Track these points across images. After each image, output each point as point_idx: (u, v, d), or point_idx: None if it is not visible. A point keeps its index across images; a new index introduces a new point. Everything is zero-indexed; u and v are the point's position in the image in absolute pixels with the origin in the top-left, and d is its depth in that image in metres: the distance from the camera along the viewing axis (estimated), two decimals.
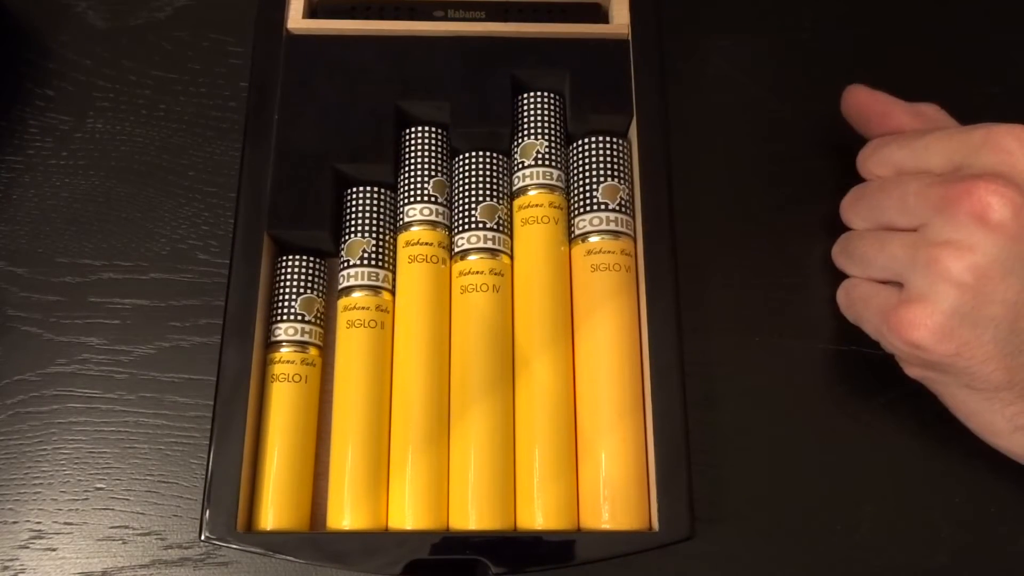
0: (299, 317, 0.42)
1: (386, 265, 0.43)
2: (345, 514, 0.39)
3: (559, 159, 0.44)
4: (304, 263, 0.42)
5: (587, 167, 0.44)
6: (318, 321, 0.42)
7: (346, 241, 0.43)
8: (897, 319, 0.38)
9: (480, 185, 0.43)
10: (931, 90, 0.49)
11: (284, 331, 0.41)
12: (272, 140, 0.43)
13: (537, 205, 0.43)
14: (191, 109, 0.49)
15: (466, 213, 0.43)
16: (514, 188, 0.44)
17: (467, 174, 0.44)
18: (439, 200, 0.43)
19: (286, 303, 0.42)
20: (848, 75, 0.49)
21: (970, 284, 0.36)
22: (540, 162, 0.44)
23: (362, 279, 0.42)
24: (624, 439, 0.40)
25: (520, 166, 0.44)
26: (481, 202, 0.43)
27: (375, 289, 0.42)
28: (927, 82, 0.49)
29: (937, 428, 0.43)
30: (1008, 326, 0.36)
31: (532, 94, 0.45)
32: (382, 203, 0.44)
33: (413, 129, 0.45)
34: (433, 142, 0.44)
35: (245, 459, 0.39)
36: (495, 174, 0.44)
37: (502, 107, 0.44)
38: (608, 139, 0.44)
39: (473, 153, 0.44)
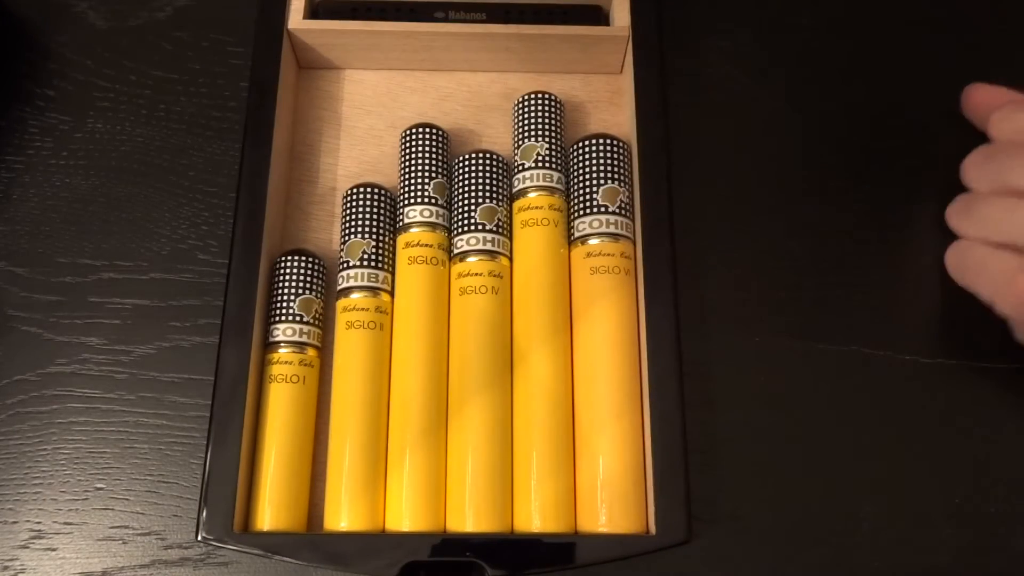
0: (297, 318, 0.42)
1: (385, 266, 0.43)
2: (342, 515, 0.39)
3: (559, 161, 0.44)
4: (303, 263, 0.42)
5: (587, 169, 0.43)
6: (316, 322, 0.42)
7: (346, 242, 0.43)
8: (1020, 286, 0.38)
9: (480, 187, 0.43)
10: (931, 88, 0.49)
11: (282, 331, 0.41)
12: (272, 140, 0.43)
13: (537, 207, 0.43)
14: (191, 109, 0.49)
15: (465, 215, 0.43)
16: (514, 190, 0.44)
17: (467, 176, 0.44)
18: (439, 202, 0.43)
19: (285, 303, 0.42)
20: (848, 75, 0.49)
21: None
22: (540, 164, 0.44)
23: (361, 280, 0.42)
24: (622, 441, 0.40)
25: (520, 168, 0.44)
26: (481, 204, 0.43)
27: (374, 290, 0.42)
28: (927, 81, 0.49)
29: (937, 428, 0.43)
30: None
31: (533, 95, 0.45)
32: (382, 204, 0.44)
33: (413, 130, 0.45)
34: (433, 143, 0.44)
35: (243, 459, 0.39)
36: (495, 176, 0.44)
37: None
38: (608, 141, 0.44)
39: (473, 154, 0.44)
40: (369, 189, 0.44)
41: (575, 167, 0.44)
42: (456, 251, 0.43)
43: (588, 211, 0.43)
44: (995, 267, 0.40)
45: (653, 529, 0.38)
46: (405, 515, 0.39)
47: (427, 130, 0.44)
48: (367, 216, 0.43)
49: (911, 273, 0.46)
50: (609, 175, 0.43)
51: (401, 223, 0.43)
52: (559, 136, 0.45)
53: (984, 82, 0.47)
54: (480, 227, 0.43)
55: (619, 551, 0.38)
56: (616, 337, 0.41)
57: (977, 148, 0.43)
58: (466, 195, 0.43)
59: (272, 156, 0.43)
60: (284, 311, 0.42)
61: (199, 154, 0.48)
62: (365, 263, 0.42)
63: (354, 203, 0.44)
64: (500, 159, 0.44)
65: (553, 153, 0.44)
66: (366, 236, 0.43)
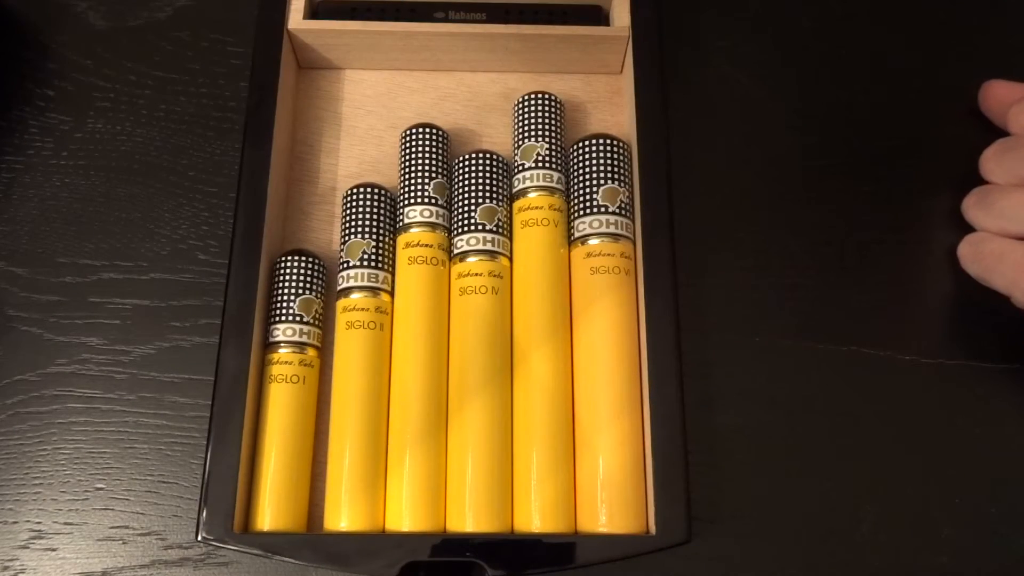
0: (297, 318, 0.42)
1: (385, 267, 0.43)
2: (342, 515, 0.39)
3: (559, 161, 0.44)
4: (303, 263, 0.42)
5: (587, 169, 0.43)
6: (316, 322, 0.42)
7: (346, 242, 0.43)
8: None
9: (480, 187, 0.43)
10: (931, 87, 0.49)
11: (282, 332, 0.41)
12: (272, 140, 0.43)
13: (537, 207, 0.43)
14: (191, 109, 0.49)
15: (465, 215, 0.43)
16: (514, 190, 0.44)
17: (467, 176, 0.44)
18: (439, 202, 0.43)
19: (285, 304, 0.42)
20: (848, 74, 0.49)
21: None
22: (540, 164, 0.44)
23: (361, 280, 0.42)
24: (622, 441, 0.40)
25: (520, 168, 0.44)
26: (481, 204, 0.43)
27: (374, 291, 0.42)
28: (928, 80, 0.49)
29: (937, 428, 0.43)
30: None
31: (533, 95, 0.45)
32: (382, 204, 0.44)
33: (413, 130, 0.45)
34: (433, 143, 0.44)
35: (243, 460, 0.39)
36: (495, 176, 0.44)
37: None
38: (609, 141, 0.44)
39: (473, 155, 0.44)
40: (369, 189, 0.44)
41: (575, 167, 0.44)
42: (456, 251, 0.43)
43: (588, 211, 0.43)
44: (1012, 258, 0.41)
45: (653, 529, 0.38)
46: (405, 515, 0.39)
47: (427, 130, 0.44)
48: (367, 216, 0.43)
49: (911, 273, 0.46)
50: (609, 175, 0.43)
51: (401, 223, 0.43)
52: (559, 136, 0.45)
53: (984, 80, 0.47)
54: (480, 227, 0.43)
55: (619, 551, 0.38)
56: (616, 337, 0.41)
57: (996, 141, 0.43)
58: (466, 195, 0.43)
59: (272, 156, 0.43)
60: (284, 311, 0.42)
61: (199, 154, 0.48)
62: (365, 263, 0.42)
63: (354, 203, 0.44)
64: (500, 159, 0.44)
65: (553, 153, 0.44)
66: (366, 236, 0.43)
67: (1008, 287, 0.41)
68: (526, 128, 0.44)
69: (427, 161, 0.44)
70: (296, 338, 0.41)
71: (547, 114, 0.44)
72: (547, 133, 0.44)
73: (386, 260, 0.43)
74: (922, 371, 0.44)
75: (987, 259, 0.42)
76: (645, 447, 0.40)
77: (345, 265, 0.43)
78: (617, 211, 0.43)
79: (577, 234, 0.43)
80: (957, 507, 0.42)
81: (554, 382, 0.41)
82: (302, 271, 0.42)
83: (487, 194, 0.43)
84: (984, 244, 0.43)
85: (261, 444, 0.40)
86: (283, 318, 0.42)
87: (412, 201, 0.43)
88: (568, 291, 0.42)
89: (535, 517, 0.39)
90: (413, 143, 0.44)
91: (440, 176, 0.44)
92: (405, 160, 0.44)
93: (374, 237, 0.43)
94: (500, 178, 0.44)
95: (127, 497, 0.42)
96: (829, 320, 0.45)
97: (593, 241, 0.42)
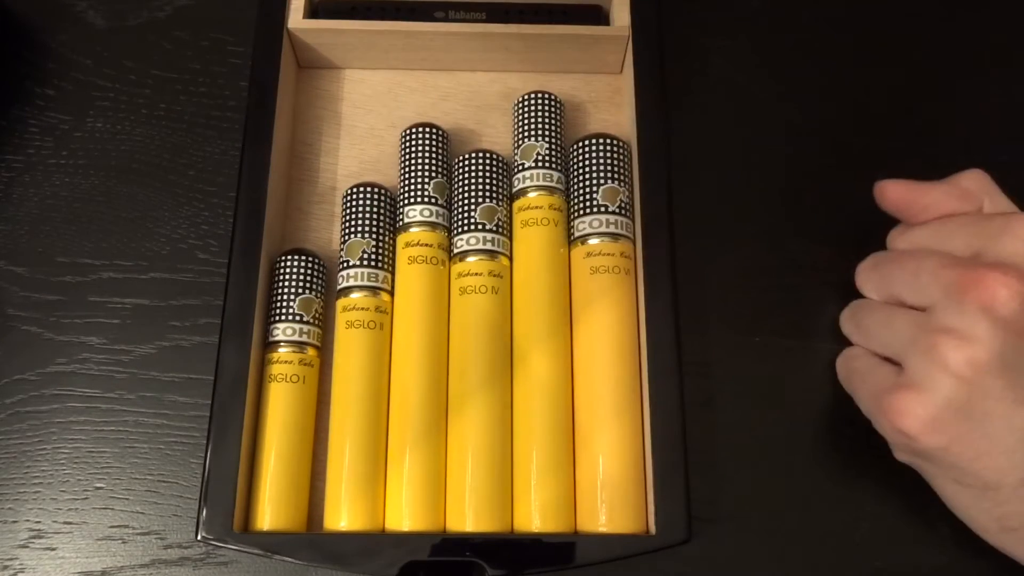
0: (297, 317, 0.42)
1: (385, 266, 0.43)
2: (342, 515, 0.39)
3: (559, 161, 0.44)
4: (303, 263, 0.42)
5: (587, 169, 0.43)
6: (316, 321, 0.42)
7: (346, 241, 0.43)
8: (889, 404, 0.36)
9: (479, 186, 0.43)
10: (932, 87, 0.49)
11: (282, 331, 0.41)
12: (272, 140, 0.43)
13: (537, 207, 0.43)
14: (191, 109, 0.49)
15: (465, 214, 0.43)
16: (514, 190, 0.44)
17: (467, 175, 0.44)
18: (439, 201, 0.43)
19: (284, 303, 0.42)
20: (848, 73, 0.49)
21: (967, 377, 0.34)
22: (540, 164, 0.44)
23: (361, 280, 0.42)
24: (622, 440, 0.40)
25: (520, 168, 0.44)
26: (480, 203, 0.43)
27: (374, 290, 0.42)
28: (926, 82, 0.49)
29: None
30: (1004, 423, 0.34)
31: (533, 95, 0.45)
32: (382, 203, 0.44)
33: (413, 129, 0.45)
34: (433, 143, 0.44)
35: (242, 459, 0.39)
36: (495, 175, 0.44)
37: None
38: (608, 141, 0.44)
39: (473, 154, 0.44)
40: (369, 189, 0.44)
41: (575, 167, 0.44)
42: (456, 251, 0.43)
43: (588, 211, 0.43)
44: (872, 381, 0.39)
45: (653, 529, 0.38)
46: (405, 515, 0.39)
47: (427, 130, 0.44)
48: (367, 216, 0.43)
49: None
50: (609, 175, 0.43)
51: (401, 223, 0.43)
52: (559, 136, 0.45)
53: (981, 83, 0.47)
54: (480, 227, 0.43)
55: (619, 551, 0.38)
56: (616, 337, 0.41)
57: (870, 255, 0.42)
58: (466, 194, 0.43)
59: (272, 155, 0.43)
60: (284, 311, 0.42)
61: (199, 154, 0.48)
62: (365, 263, 0.42)
63: (354, 203, 0.44)
64: (500, 159, 0.44)
65: (553, 153, 0.44)
66: (366, 236, 0.43)
67: (867, 411, 0.40)
68: (526, 127, 0.44)
69: (427, 161, 0.44)
70: (296, 337, 0.41)
71: (547, 113, 0.44)
72: (547, 133, 0.44)
73: (386, 260, 0.43)
74: None
75: (853, 378, 0.41)
76: (645, 447, 0.40)
77: (345, 264, 0.43)
78: (617, 211, 0.43)
79: (577, 234, 0.43)
80: None
81: (554, 382, 0.41)
82: (302, 270, 0.42)
83: (487, 193, 0.43)
84: (853, 361, 0.41)
85: (261, 444, 0.40)
86: (283, 317, 0.42)
87: (412, 200, 0.43)
88: (568, 291, 0.42)
89: (535, 517, 0.39)
90: (413, 142, 0.44)
91: (440, 176, 0.44)
92: (405, 160, 0.44)
93: (374, 237, 0.43)
94: (500, 177, 0.44)
95: (127, 497, 0.42)
96: (829, 320, 0.45)
97: (593, 241, 0.42)
